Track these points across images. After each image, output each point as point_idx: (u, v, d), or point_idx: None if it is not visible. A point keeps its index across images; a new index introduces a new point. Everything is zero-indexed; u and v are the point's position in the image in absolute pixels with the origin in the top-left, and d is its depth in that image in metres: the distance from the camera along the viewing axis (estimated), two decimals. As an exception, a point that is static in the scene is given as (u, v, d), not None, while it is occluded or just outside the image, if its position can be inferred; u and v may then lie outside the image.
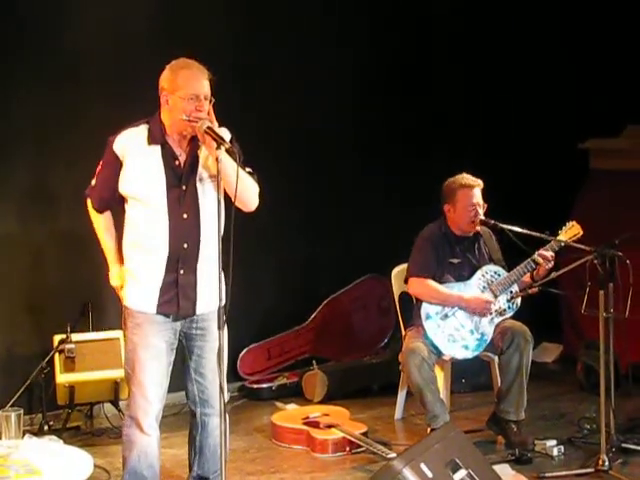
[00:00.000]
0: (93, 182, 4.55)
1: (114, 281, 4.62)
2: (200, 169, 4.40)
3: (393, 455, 5.28)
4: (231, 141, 4.37)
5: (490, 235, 6.08)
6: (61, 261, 6.40)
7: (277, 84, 7.06)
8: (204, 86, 4.34)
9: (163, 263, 4.39)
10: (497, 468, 5.11)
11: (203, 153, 4.39)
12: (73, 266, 6.39)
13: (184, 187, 4.38)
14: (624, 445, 5.52)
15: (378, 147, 7.51)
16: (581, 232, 5.79)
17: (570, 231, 5.81)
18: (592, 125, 7.42)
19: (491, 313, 5.83)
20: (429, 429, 5.69)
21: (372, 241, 7.37)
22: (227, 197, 4.30)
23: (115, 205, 4.55)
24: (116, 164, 4.41)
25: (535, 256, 5.76)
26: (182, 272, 4.40)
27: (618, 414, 5.57)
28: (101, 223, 4.62)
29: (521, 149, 7.65)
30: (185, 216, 4.37)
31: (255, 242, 6.71)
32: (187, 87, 4.31)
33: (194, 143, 4.39)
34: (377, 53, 7.46)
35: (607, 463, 5.20)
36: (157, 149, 4.39)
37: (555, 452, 5.58)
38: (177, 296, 4.40)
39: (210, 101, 4.36)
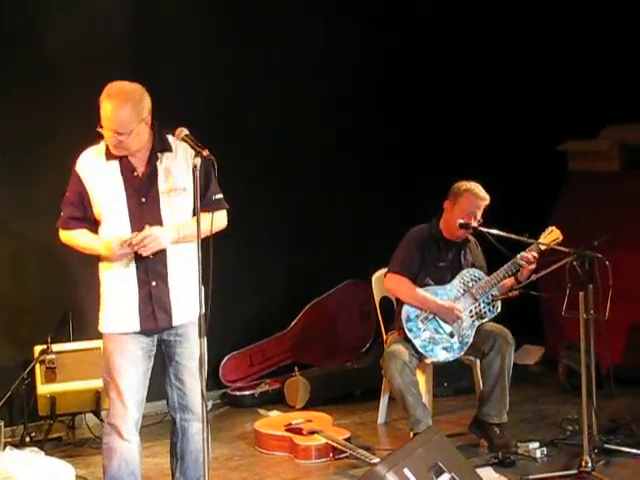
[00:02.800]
0: (63, 213, 4.50)
1: (111, 248, 4.38)
2: (161, 182, 4.39)
3: (376, 460, 5.28)
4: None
5: (476, 244, 6.09)
6: (41, 271, 6.37)
7: (265, 91, 7.08)
8: (114, 121, 4.27)
9: (134, 276, 4.39)
10: (480, 471, 5.12)
11: (162, 166, 4.39)
12: (53, 276, 6.36)
13: (144, 199, 4.39)
14: (607, 446, 5.54)
15: (359, 155, 7.50)
16: (561, 237, 5.80)
17: (550, 236, 5.82)
18: (570, 127, 7.45)
19: (475, 308, 5.85)
20: (412, 433, 5.69)
21: (352, 246, 7.37)
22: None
23: (89, 225, 4.49)
24: (81, 186, 4.42)
25: (517, 258, 5.77)
26: (154, 284, 4.40)
27: (600, 415, 5.60)
28: (78, 235, 4.50)
29: (499, 152, 7.66)
30: (147, 227, 4.36)
31: (236, 249, 6.70)
32: (102, 118, 4.31)
33: (153, 155, 4.40)
34: (365, 63, 7.46)
35: (590, 464, 5.21)
36: (115, 164, 4.40)
37: (538, 454, 5.59)
38: (153, 309, 4.40)
39: (128, 134, 4.28)
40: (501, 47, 7.75)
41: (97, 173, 4.40)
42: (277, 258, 7.28)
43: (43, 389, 6.02)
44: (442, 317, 5.83)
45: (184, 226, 4.38)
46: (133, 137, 4.31)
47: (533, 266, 5.79)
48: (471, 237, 6.06)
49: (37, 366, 6.03)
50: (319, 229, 7.36)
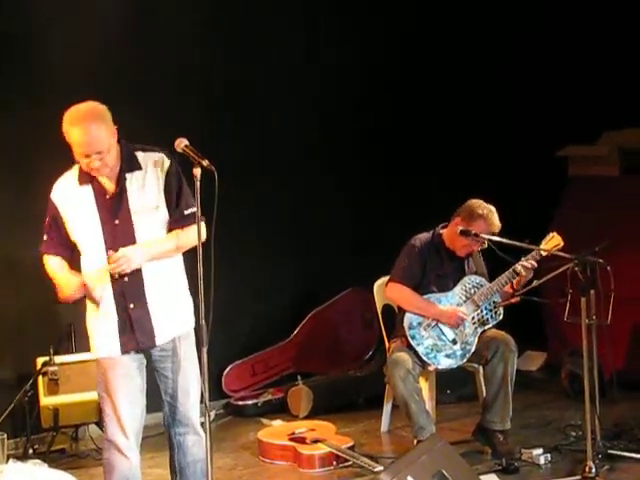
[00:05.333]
0: (45, 237, 4.49)
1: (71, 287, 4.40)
2: (132, 202, 4.37)
3: (380, 468, 5.29)
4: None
5: (478, 253, 6.08)
6: (42, 283, 6.33)
7: (266, 94, 7.11)
8: (90, 145, 4.26)
9: (111, 300, 4.37)
10: (484, 478, 5.12)
11: (132, 186, 4.37)
12: (54, 288, 6.34)
13: (117, 221, 4.36)
14: (610, 451, 5.54)
15: (360, 161, 7.51)
16: (562, 243, 5.78)
17: (551, 242, 5.81)
18: (569, 132, 7.45)
19: (477, 314, 5.83)
20: (415, 441, 5.68)
21: (354, 254, 7.37)
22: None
23: (66, 252, 4.51)
24: (56, 212, 4.43)
25: (517, 266, 5.76)
26: (132, 306, 4.37)
27: (603, 420, 5.58)
28: (51, 262, 4.51)
29: (499, 158, 7.67)
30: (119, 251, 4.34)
31: (237, 258, 6.72)
32: (77, 146, 4.29)
33: (122, 176, 4.37)
34: (365, 66, 7.49)
35: (594, 470, 5.20)
36: (88, 188, 4.39)
37: (542, 460, 5.58)
38: (134, 332, 4.38)
39: (107, 151, 4.28)
40: (500, 54, 7.76)
41: (71, 200, 4.40)
42: (278, 267, 7.27)
43: (46, 401, 6.03)
44: (445, 322, 5.82)
45: (157, 243, 4.37)
46: (112, 153, 4.30)
47: (531, 274, 5.79)
48: None
49: (40, 378, 6.03)
50: (320, 237, 7.36)
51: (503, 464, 5.52)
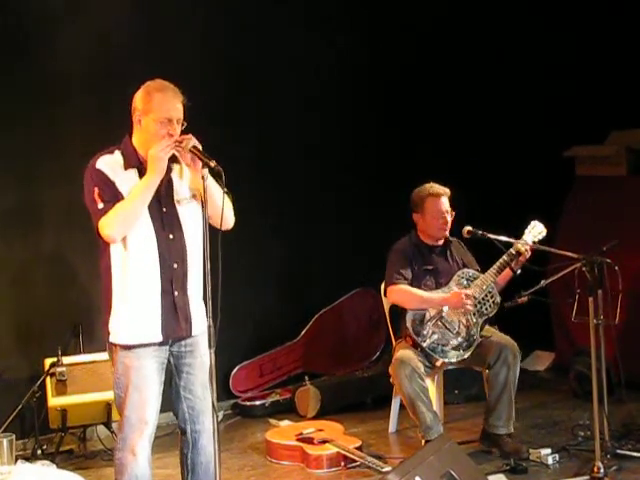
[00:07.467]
0: (101, 205, 4.30)
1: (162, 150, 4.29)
2: (175, 191, 4.40)
3: (388, 469, 5.29)
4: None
5: (459, 243, 6.13)
6: (49, 284, 6.38)
7: (266, 97, 7.12)
8: (178, 110, 4.35)
9: (157, 286, 4.36)
10: (492, 479, 5.11)
11: (175, 177, 4.40)
12: (62, 288, 6.37)
13: (164, 209, 4.38)
14: (619, 451, 5.53)
15: (365, 160, 7.52)
16: (545, 231, 5.88)
17: (534, 230, 5.88)
18: (577, 133, 7.44)
19: (474, 306, 5.82)
20: (423, 441, 5.67)
21: (362, 254, 7.36)
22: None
23: None
24: (108, 180, 4.33)
25: (516, 245, 5.76)
26: (177, 294, 4.39)
27: (612, 420, 5.58)
28: (122, 202, 4.30)
29: (507, 158, 7.66)
30: (171, 237, 4.37)
31: (244, 259, 6.72)
32: (161, 110, 4.32)
33: (168, 165, 4.38)
34: (366, 74, 7.50)
35: (602, 470, 5.19)
36: (134, 173, 4.37)
37: (550, 460, 5.57)
38: (177, 319, 4.39)
39: (182, 125, 4.37)
40: (507, 54, 7.75)
41: (119, 175, 4.34)
42: (286, 267, 7.28)
43: (54, 402, 6.03)
44: (453, 307, 5.80)
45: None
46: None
47: (529, 253, 5.79)
48: (452, 237, 6.08)
49: (48, 379, 6.04)
50: (328, 237, 7.36)
51: (511, 464, 5.51)
